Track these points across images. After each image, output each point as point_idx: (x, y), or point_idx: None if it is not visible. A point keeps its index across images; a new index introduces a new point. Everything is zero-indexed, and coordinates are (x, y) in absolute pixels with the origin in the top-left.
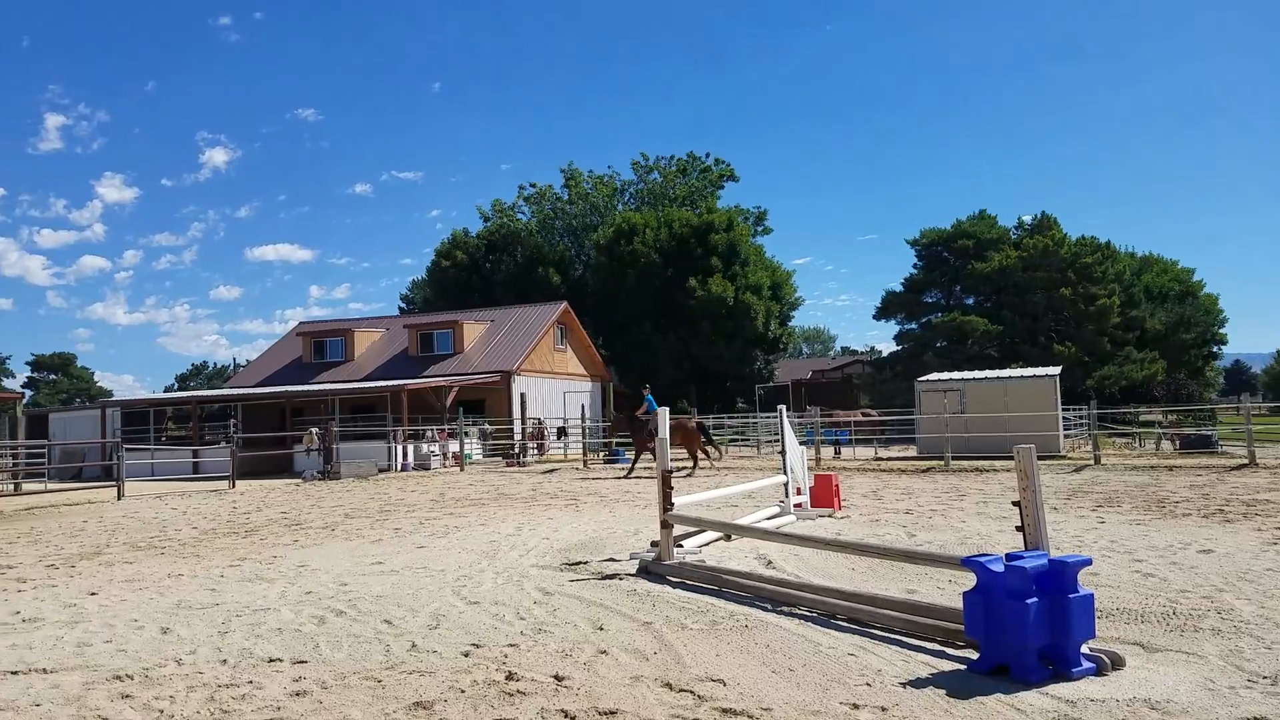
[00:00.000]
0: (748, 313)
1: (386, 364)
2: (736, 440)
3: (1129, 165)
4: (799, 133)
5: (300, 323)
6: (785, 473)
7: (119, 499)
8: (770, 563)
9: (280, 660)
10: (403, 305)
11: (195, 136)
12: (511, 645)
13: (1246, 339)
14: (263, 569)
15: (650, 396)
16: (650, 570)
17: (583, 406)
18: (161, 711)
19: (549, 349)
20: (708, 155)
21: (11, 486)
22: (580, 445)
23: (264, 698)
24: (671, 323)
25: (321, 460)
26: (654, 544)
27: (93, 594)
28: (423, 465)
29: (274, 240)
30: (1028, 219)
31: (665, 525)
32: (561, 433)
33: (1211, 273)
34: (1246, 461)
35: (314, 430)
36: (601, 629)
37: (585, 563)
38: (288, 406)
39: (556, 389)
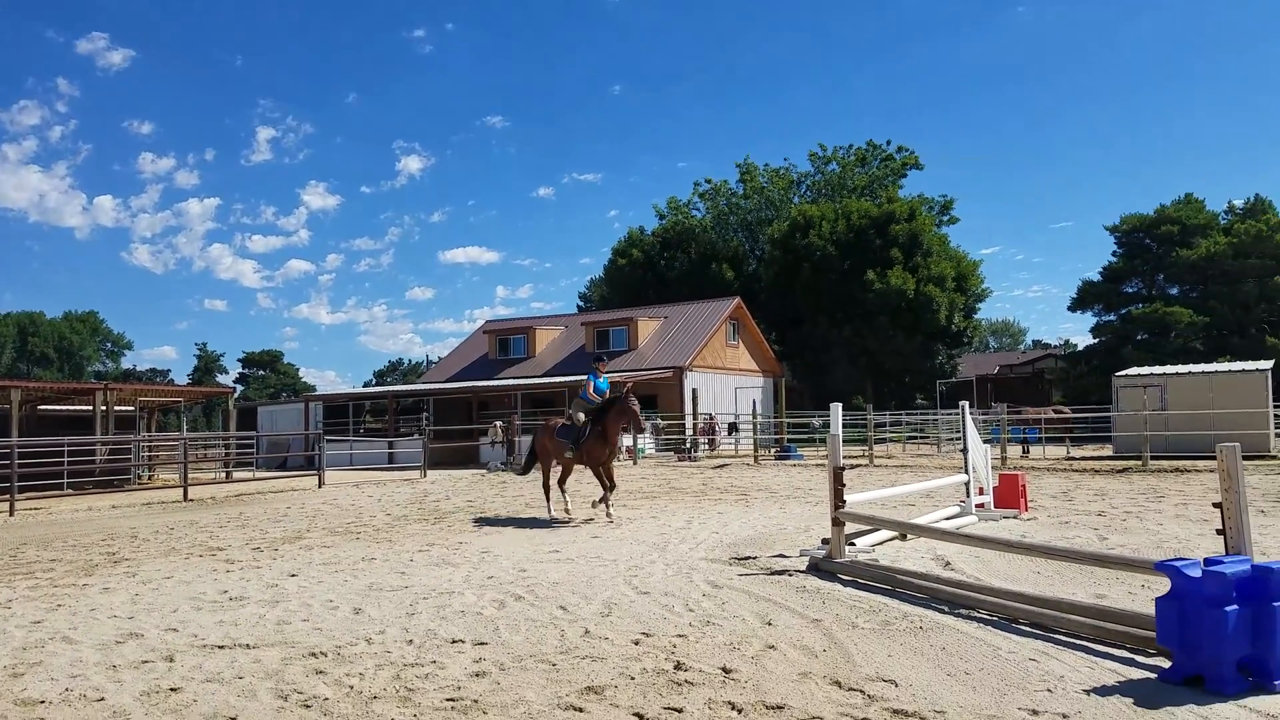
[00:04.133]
0: (929, 305)
1: (565, 360)
2: (915, 438)
3: None
4: (988, 118)
5: (486, 321)
6: (967, 471)
7: (319, 487)
8: (948, 564)
9: (462, 642)
10: (581, 303)
11: (392, 145)
12: (680, 635)
13: None
14: (449, 554)
15: (594, 375)
16: (820, 567)
17: (754, 402)
18: (351, 688)
19: (721, 344)
20: (889, 143)
21: (223, 474)
22: (751, 441)
23: (446, 677)
24: (847, 317)
25: (505, 451)
26: (825, 541)
27: (293, 575)
28: None
29: (464, 243)
30: (1239, 203)
31: (836, 523)
32: (733, 428)
33: None
34: None
35: (498, 423)
36: (770, 624)
37: (754, 558)
38: (474, 401)
39: (728, 384)
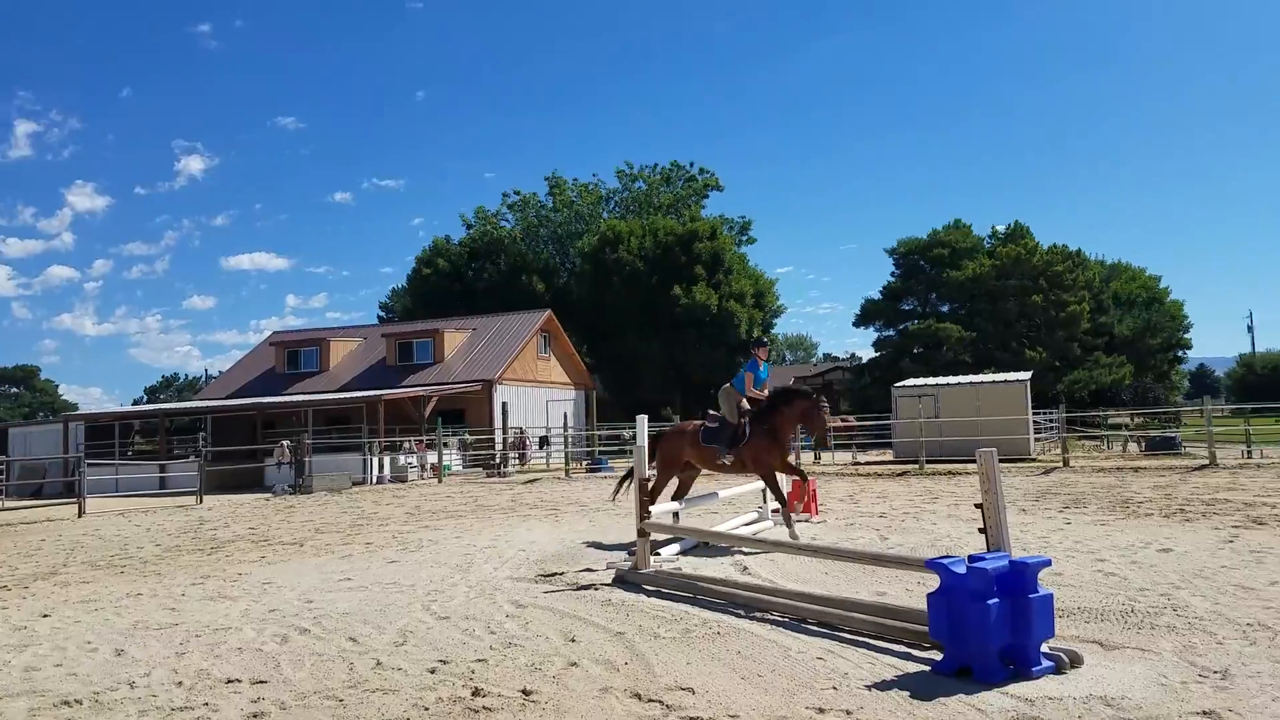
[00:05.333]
0: (731, 320)
1: (363, 374)
2: None
3: (1099, 175)
4: (784, 144)
5: (274, 333)
6: None
7: (80, 516)
8: (746, 569)
9: (239, 681)
10: (382, 314)
11: (171, 144)
12: (480, 660)
13: (1210, 343)
14: (226, 587)
15: (754, 363)
16: (626, 580)
17: (565, 415)
18: None
19: (532, 357)
20: (692, 164)
21: None
22: (563, 454)
23: None
24: (656, 330)
25: (293, 474)
26: (630, 553)
27: (45, 616)
28: (399, 477)
29: (250, 249)
30: (1001, 228)
31: (642, 534)
32: (544, 442)
33: (1177, 279)
34: (1208, 462)
35: (285, 443)
36: (573, 641)
37: (561, 574)
38: (259, 419)
39: (539, 398)
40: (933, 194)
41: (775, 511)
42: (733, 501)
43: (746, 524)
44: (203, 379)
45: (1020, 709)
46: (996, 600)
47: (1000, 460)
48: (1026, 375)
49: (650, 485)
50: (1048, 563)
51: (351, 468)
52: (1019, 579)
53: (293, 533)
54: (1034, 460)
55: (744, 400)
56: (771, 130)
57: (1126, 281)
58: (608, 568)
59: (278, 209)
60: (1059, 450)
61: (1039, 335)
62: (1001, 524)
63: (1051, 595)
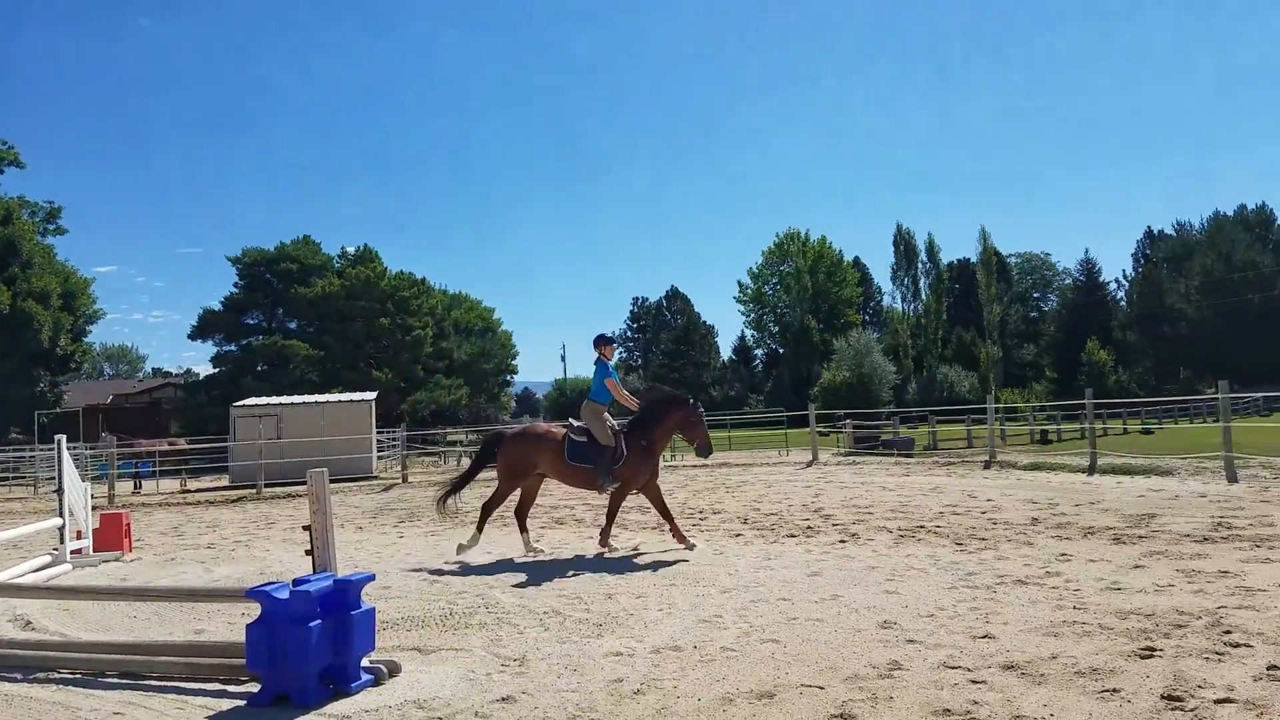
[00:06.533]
0: (30, 323)
1: None
2: (7, 479)
3: (441, 208)
4: (113, 127)
5: None
6: (63, 515)
7: None
8: (29, 623)
9: None
10: None
11: None
12: None
13: (533, 369)
14: None
15: (604, 364)
16: None
17: None
18: None
19: None
20: None
21: None
22: None
23: None
24: None
25: None
26: None
27: None
28: None
29: None
30: (351, 249)
31: None
32: None
33: (508, 311)
34: None
35: None
36: None
37: None
38: None
39: None
40: (283, 205)
41: (75, 553)
42: (18, 544)
43: (36, 569)
44: None
45: None
46: (319, 622)
47: (344, 479)
48: (372, 395)
49: (491, 495)
50: (372, 578)
51: None
52: (342, 597)
53: None
54: (377, 478)
55: (610, 418)
56: (95, 109)
57: (466, 311)
58: None
59: None
60: (400, 467)
61: (386, 356)
62: (329, 544)
63: (374, 610)
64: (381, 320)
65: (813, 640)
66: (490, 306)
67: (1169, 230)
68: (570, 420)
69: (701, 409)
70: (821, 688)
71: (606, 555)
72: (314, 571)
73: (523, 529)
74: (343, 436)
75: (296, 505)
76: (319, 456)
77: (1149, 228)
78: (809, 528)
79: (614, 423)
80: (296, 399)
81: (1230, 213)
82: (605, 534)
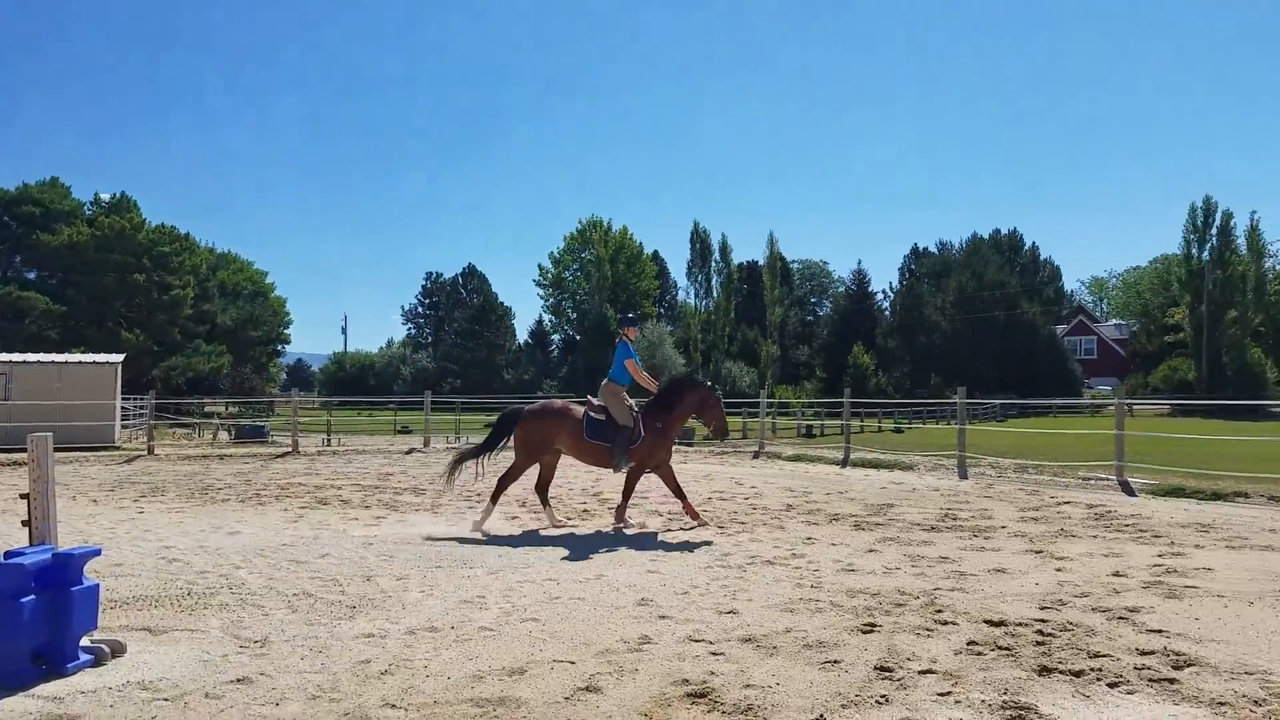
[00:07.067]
0: None
1: None
2: None
3: (223, 154)
4: None
5: None
6: None
7: None
8: None
9: None
10: None
11: None
12: None
13: (309, 340)
14: None
15: (625, 345)
16: None
17: None
18: None
19: None
20: None
21: None
22: None
23: None
24: None
25: None
26: None
27: None
28: None
29: None
30: (106, 196)
31: None
32: None
33: (282, 277)
34: (290, 449)
35: None
36: None
37: None
38: None
39: None
40: (31, 141)
41: None
42: None
43: None
44: None
45: (46, 708)
46: (33, 598)
47: (82, 448)
48: (119, 358)
49: (508, 470)
50: (97, 552)
51: None
52: (62, 572)
53: None
54: (119, 449)
55: (619, 393)
56: None
57: (234, 272)
58: None
59: None
60: (146, 438)
61: (139, 316)
62: (50, 514)
63: (98, 586)
64: (136, 276)
65: (571, 618)
66: (263, 270)
67: (933, 248)
68: (589, 398)
69: (719, 393)
70: (573, 662)
71: (625, 531)
72: (30, 544)
73: (544, 503)
74: (82, 401)
75: (23, 474)
76: (54, 422)
77: (915, 245)
78: (585, 511)
79: (632, 403)
80: (30, 356)
81: (986, 235)
82: (621, 511)
